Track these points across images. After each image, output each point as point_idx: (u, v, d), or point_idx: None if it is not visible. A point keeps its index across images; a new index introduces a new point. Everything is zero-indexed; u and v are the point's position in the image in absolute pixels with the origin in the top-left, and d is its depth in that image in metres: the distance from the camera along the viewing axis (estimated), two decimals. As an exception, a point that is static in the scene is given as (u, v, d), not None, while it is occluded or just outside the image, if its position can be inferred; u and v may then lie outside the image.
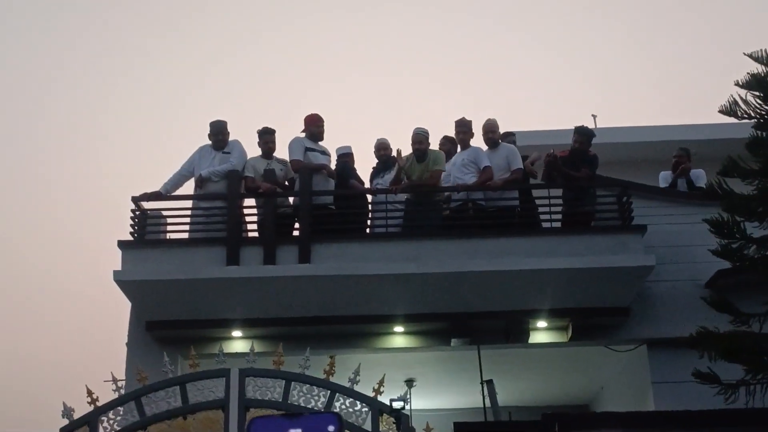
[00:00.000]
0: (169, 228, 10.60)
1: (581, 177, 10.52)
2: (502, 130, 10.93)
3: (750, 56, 8.89)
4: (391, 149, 11.03)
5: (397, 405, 6.90)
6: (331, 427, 2.81)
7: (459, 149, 10.82)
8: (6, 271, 23.57)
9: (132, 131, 27.14)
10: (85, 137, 26.91)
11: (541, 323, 10.45)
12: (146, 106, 27.72)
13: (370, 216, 10.77)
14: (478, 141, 10.86)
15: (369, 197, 10.90)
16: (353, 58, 28.80)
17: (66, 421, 7.44)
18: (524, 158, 10.79)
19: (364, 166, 11.24)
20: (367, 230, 10.72)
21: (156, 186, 10.60)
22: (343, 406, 7.39)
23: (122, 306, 10.63)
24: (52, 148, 26.69)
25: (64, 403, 7.48)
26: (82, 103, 27.20)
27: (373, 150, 11.13)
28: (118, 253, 10.11)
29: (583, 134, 10.84)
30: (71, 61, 27.49)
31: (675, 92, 27.29)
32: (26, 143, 27.01)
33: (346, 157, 11.05)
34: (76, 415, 7.43)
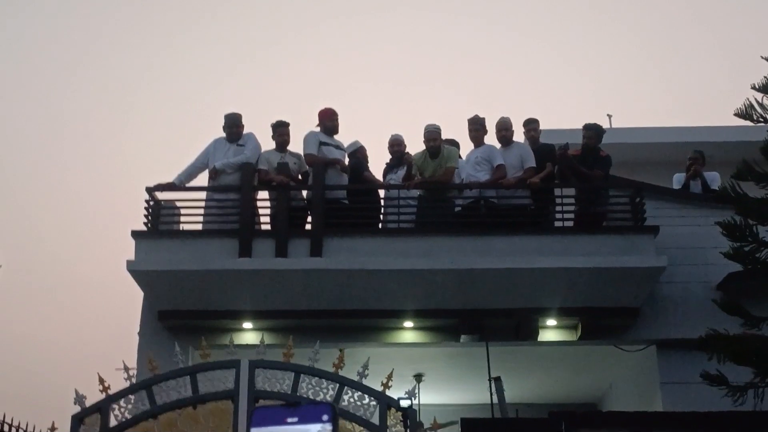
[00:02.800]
0: (182, 219, 10.65)
1: (593, 175, 10.51)
2: (516, 130, 10.96)
3: (767, 59, 8.87)
4: (405, 145, 11.06)
5: (404, 403, 6.93)
6: (325, 416, 2.89)
7: (473, 147, 10.83)
8: (24, 256, 23.69)
9: (151, 122, 27.26)
10: (106, 128, 27.07)
11: (551, 321, 10.46)
12: (164, 99, 27.84)
13: (382, 211, 10.79)
14: (491, 139, 10.90)
15: (382, 192, 10.93)
16: (369, 56, 28.83)
17: (78, 408, 7.48)
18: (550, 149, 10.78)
19: (377, 162, 11.30)
20: (380, 225, 10.74)
21: (170, 177, 10.65)
22: (352, 399, 7.40)
23: (135, 295, 10.70)
24: (72, 137, 26.86)
25: (76, 390, 7.52)
26: (103, 94, 27.40)
27: (387, 146, 11.15)
28: (132, 242, 10.18)
29: (592, 129, 10.84)
30: (94, 55, 27.71)
31: (691, 94, 27.22)
32: (48, 133, 27.18)
33: (357, 153, 11.07)
34: (88, 403, 7.47)
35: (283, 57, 28.38)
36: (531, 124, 11.05)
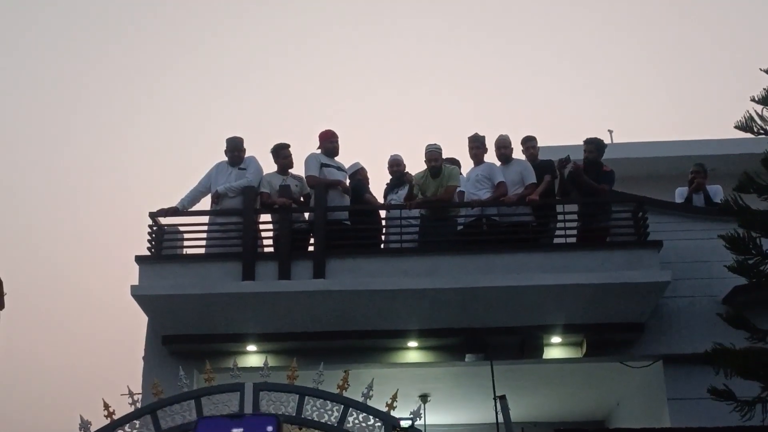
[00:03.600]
0: (185, 243, 10.67)
1: (601, 189, 10.52)
2: (516, 147, 10.97)
3: (766, 72, 8.88)
4: (404, 165, 11.07)
5: (404, 423, 6.93)
6: (269, 428, 2.92)
7: (473, 165, 10.84)
8: (29, 282, 23.75)
9: (154, 147, 27.38)
10: (111, 153, 27.17)
11: (556, 339, 10.43)
12: (166, 124, 27.94)
13: (384, 231, 10.79)
14: (490, 157, 10.90)
15: (383, 213, 10.93)
16: (368, 76, 28.90)
17: (83, 434, 7.47)
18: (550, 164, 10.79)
19: (377, 183, 11.32)
20: (382, 246, 10.74)
21: (173, 202, 10.68)
22: (357, 421, 7.39)
23: (140, 320, 10.71)
24: (79, 162, 26.95)
25: (81, 417, 7.53)
26: (106, 118, 27.48)
27: (387, 166, 11.17)
28: (136, 267, 10.18)
29: (593, 143, 10.86)
30: (98, 79, 27.84)
31: (691, 107, 27.26)
32: (56, 156, 27.30)
33: (358, 174, 11.09)
34: (93, 428, 7.47)
35: (285, 79, 28.49)
36: (529, 142, 11.06)
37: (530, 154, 11.00)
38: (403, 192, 10.73)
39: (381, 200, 11.09)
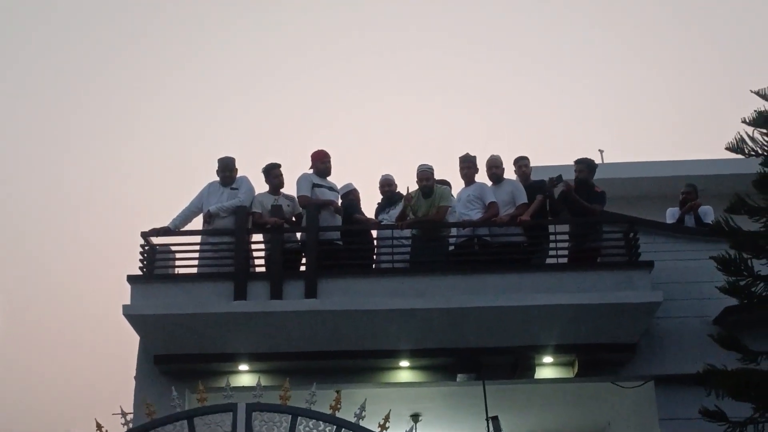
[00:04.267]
0: (177, 263, 10.66)
1: (593, 209, 10.55)
2: (507, 167, 11.00)
3: (756, 93, 8.96)
4: (396, 185, 11.10)
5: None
6: None
7: (464, 185, 10.87)
8: (25, 297, 23.75)
9: (148, 167, 27.41)
10: (106, 171, 27.22)
11: (548, 359, 10.43)
12: (160, 143, 27.94)
13: (376, 252, 10.79)
14: (482, 177, 10.94)
15: (375, 233, 10.94)
16: (360, 97, 28.99)
17: (75, 455, 7.46)
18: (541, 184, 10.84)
19: (369, 202, 11.34)
20: (374, 265, 10.74)
21: (166, 221, 10.68)
22: (349, 442, 7.39)
23: (132, 339, 10.68)
24: (75, 179, 26.97)
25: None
26: (103, 137, 27.51)
27: (378, 186, 11.19)
28: (128, 286, 10.17)
29: (583, 163, 10.90)
30: (91, 99, 27.88)
31: (682, 128, 27.39)
32: (51, 173, 27.31)
33: (350, 195, 11.11)
34: (86, 450, 7.45)
35: (278, 99, 28.52)
36: (521, 161, 11.10)
37: (522, 174, 11.04)
38: (394, 212, 10.76)
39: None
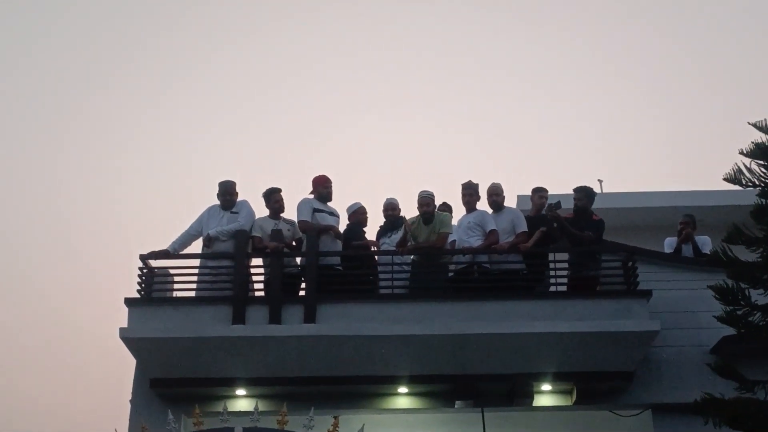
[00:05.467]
0: (176, 286, 10.66)
1: (583, 236, 10.56)
2: (507, 195, 11.04)
3: (754, 125, 9.01)
4: (399, 210, 11.11)
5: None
6: None
7: (465, 212, 10.91)
8: (20, 320, 23.70)
9: (146, 190, 27.44)
10: (104, 194, 27.21)
11: (546, 386, 10.43)
12: (158, 166, 27.97)
13: (376, 277, 10.78)
14: (483, 204, 10.96)
15: (376, 257, 10.95)
16: (362, 121, 29.04)
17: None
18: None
19: (371, 225, 11.32)
20: (377, 290, 10.74)
21: (165, 244, 10.69)
22: (347, 467, 7.39)
23: (128, 362, 10.66)
24: (71, 201, 26.96)
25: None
26: (100, 159, 27.48)
27: (382, 210, 11.20)
28: (126, 309, 10.17)
29: (582, 191, 10.92)
30: (86, 120, 27.86)
31: (681, 159, 27.44)
32: (46, 196, 27.31)
33: (358, 213, 11.09)
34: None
35: (278, 122, 28.56)
36: (540, 191, 11.15)
37: (541, 204, 11.04)
38: (396, 236, 10.77)
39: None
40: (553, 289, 10.55)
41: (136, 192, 27.31)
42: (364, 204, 11.18)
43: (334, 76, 28.78)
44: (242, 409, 9.97)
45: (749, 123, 9.00)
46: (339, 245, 10.74)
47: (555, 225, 10.64)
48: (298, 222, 10.77)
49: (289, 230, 10.82)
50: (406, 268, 10.59)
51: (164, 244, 10.67)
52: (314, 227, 10.57)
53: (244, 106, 28.90)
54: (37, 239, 26.66)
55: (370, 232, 11.21)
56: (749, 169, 8.89)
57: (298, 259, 10.77)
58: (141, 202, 26.92)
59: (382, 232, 11.13)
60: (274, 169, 24.81)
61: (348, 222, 11.04)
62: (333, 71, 28.72)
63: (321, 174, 11.00)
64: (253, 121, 28.63)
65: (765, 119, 8.94)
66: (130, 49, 28.03)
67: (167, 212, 25.09)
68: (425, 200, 10.58)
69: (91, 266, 25.87)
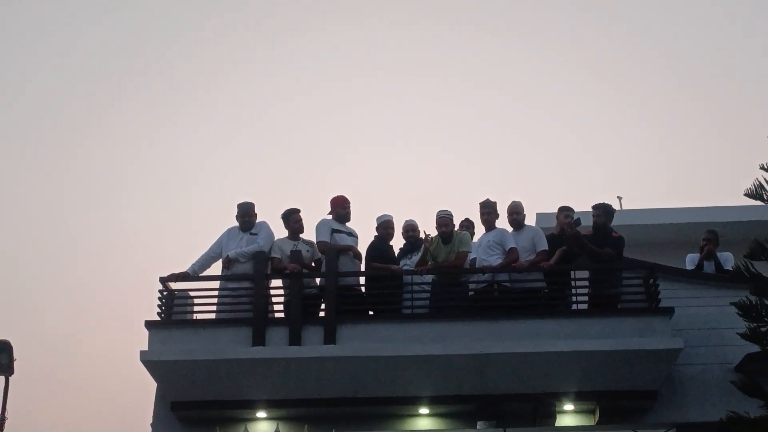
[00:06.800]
0: (196, 308, 10.67)
1: (602, 253, 10.49)
2: (528, 213, 10.99)
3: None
4: (419, 231, 11.06)
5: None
6: None
7: (484, 230, 10.87)
8: (40, 346, 23.74)
9: (164, 212, 27.55)
10: (121, 217, 27.30)
11: (568, 406, 10.34)
12: (177, 189, 28.08)
13: (396, 297, 10.73)
14: (502, 222, 10.93)
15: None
16: (381, 140, 29.11)
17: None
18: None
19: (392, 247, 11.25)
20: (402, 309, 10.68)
21: (183, 266, 10.70)
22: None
23: (148, 385, 10.65)
24: (87, 226, 27.09)
25: None
26: (116, 183, 27.64)
27: (401, 231, 11.17)
28: (146, 332, 10.18)
29: (600, 208, 10.86)
30: (101, 143, 28.05)
31: (701, 175, 27.36)
32: (62, 220, 27.43)
33: (381, 228, 10.95)
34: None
35: (297, 144, 28.66)
36: (566, 211, 11.05)
37: (567, 224, 10.94)
38: (416, 257, 10.73)
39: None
40: (574, 307, 10.47)
41: (156, 213, 27.45)
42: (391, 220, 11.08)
43: (352, 97, 28.90)
44: (263, 432, 9.97)
45: None
46: (358, 266, 10.72)
47: (570, 240, 10.53)
48: (317, 243, 10.76)
49: (308, 251, 10.83)
50: (426, 287, 10.55)
51: (183, 267, 10.68)
52: (333, 248, 10.56)
53: (262, 128, 29.03)
54: (53, 263, 26.82)
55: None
56: (770, 184, 8.84)
57: (318, 280, 10.75)
58: (158, 224, 27.05)
59: (402, 253, 11.09)
60: (292, 191, 24.91)
61: (375, 232, 10.98)
62: (351, 92, 28.85)
63: (339, 195, 11.00)
64: (270, 143, 28.73)
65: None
66: (148, 67, 28.31)
67: (186, 234, 25.19)
68: (443, 220, 10.55)
69: (110, 290, 26.00)
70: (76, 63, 27.96)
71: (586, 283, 10.66)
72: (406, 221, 11.13)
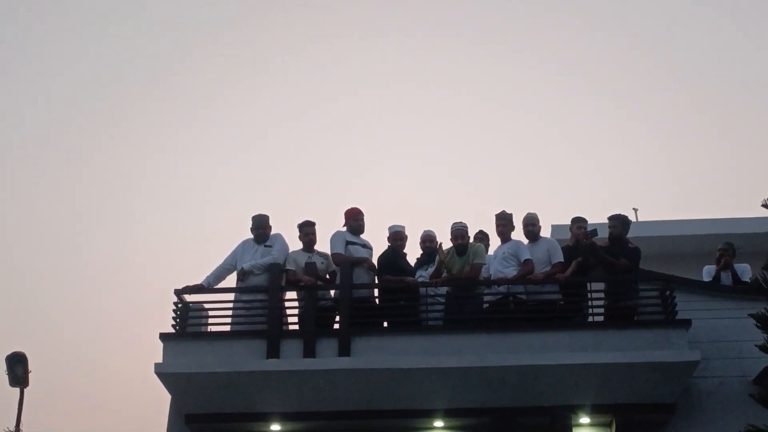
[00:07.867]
0: (210, 321, 10.67)
1: (619, 263, 10.43)
2: (543, 225, 10.95)
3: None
4: (437, 242, 10.99)
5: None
6: None
7: (500, 242, 10.83)
8: (54, 359, 23.80)
9: (179, 225, 27.61)
10: (136, 231, 27.38)
11: (584, 419, 10.27)
12: (192, 202, 28.14)
13: (411, 309, 10.69)
14: (518, 234, 10.88)
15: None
16: (396, 152, 29.11)
17: None
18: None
19: (409, 257, 11.21)
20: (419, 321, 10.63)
21: (198, 279, 10.71)
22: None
23: (163, 398, 10.66)
24: (101, 239, 27.16)
25: None
26: (131, 197, 27.73)
27: (419, 241, 11.12)
28: (160, 344, 10.18)
29: (617, 219, 10.81)
30: (115, 157, 28.16)
31: (718, 185, 27.24)
32: (77, 233, 27.53)
33: (392, 239, 10.87)
34: None
35: (310, 156, 28.71)
36: (580, 222, 11.01)
37: (579, 235, 10.89)
38: (432, 269, 10.68)
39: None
40: (590, 319, 10.41)
41: (167, 226, 27.51)
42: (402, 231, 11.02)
43: (366, 109, 28.91)
44: (277, 445, 9.94)
45: None
46: (373, 278, 10.69)
47: (585, 250, 10.46)
48: (332, 255, 10.75)
49: (322, 263, 10.81)
50: (440, 300, 10.51)
51: (197, 280, 10.68)
52: (348, 260, 10.54)
53: (276, 140, 29.07)
54: (68, 277, 26.90)
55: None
56: (788, 195, 8.77)
57: (332, 292, 10.73)
58: (173, 237, 27.11)
59: (419, 264, 11.05)
60: (308, 203, 24.93)
61: (387, 242, 10.94)
62: (365, 105, 28.91)
63: (353, 207, 10.99)
64: (284, 155, 28.80)
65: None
66: (162, 78, 28.42)
67: (200, 247, 25.21)
68: (458, 232, 10.51)
69: (123, 302, 26.05)
70: (89, 75, 28.14)
71: (602, 295, 10.61)
72: (425, 231, 11.07)
